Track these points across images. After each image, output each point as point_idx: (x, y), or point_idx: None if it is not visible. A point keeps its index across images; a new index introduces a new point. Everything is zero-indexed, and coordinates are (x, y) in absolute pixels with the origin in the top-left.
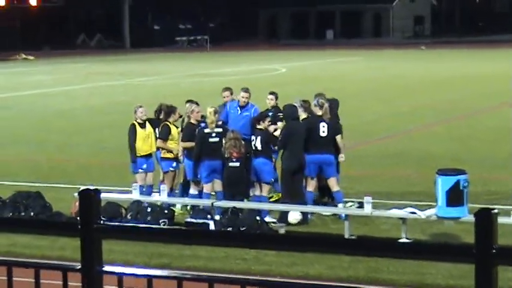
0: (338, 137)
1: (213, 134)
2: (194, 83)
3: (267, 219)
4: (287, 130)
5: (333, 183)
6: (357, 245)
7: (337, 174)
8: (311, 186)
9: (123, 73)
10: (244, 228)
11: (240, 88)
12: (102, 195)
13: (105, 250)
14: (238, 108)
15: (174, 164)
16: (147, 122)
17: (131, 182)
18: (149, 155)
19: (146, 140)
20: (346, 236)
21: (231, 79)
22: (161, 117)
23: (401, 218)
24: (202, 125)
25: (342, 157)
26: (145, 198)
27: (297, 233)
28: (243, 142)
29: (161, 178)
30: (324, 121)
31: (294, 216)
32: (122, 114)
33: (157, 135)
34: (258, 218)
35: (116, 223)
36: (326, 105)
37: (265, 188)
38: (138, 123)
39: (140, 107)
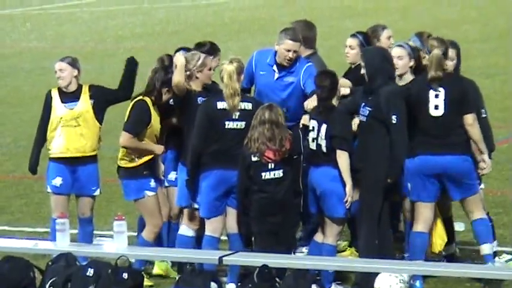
0: (469, 117)
1: (235, 115)
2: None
3: None
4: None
5: (472, 206)
6: None
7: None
8: (420, 221)
9: None
10: None
11: (281, 31)
12: None
13: None
14: (276, 67)
15: (153, 183)
16: (83, 89)
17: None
18: (73, 159)
19: (68, 127)
20: None
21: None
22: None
23: None
24: (200, 99)
25: (484, 164)
26: (84, 250)
27: None
28: (288, 131)
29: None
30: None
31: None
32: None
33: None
34: (314, 287)
35: None
36: (438, 52)
37: (334, 228)
38: (60, 91)
39: (66, 58)
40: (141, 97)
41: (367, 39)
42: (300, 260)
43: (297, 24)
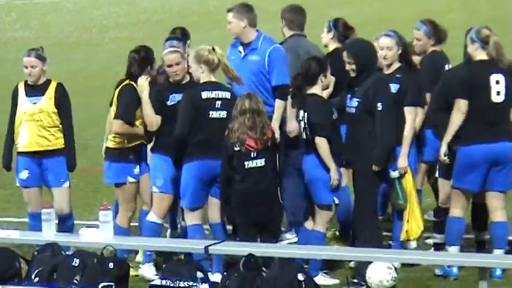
0: None
1: (217, 104)
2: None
3: (320, 279)
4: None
5: (499, 203)
6: None
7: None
8: (458, 207)
9: None
10: None
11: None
12: None
13: None
14: (241, 47)
15: (136, 170)
16: (51, 86)
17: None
18: (38, 153)
19: (32, 121)
20: None
21: None
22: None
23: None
24: (172, 96)
25: None
26: (70, 240)
27: None
28: (267, 120)
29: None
30: (498, 72)
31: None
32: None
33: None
34: (301, 276)
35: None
36: (494, 39)
37: (323, 215)
38: (27, 86)
39: (32, 52)
40: (127, 81)
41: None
42: (286, 248)
43: (286, 7)
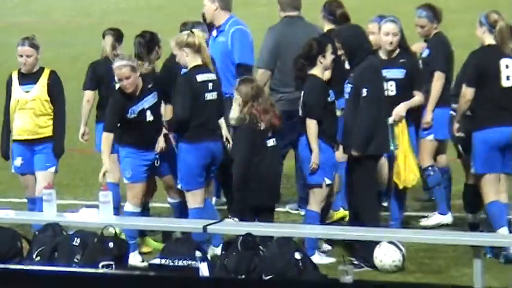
0: None
1: (209, 86)
2: None
3: (316, 257)
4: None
5: (506, 185)
6: None
7: None
8: (491, 191)
9: None
10: (270, 276)
11: None
12: None
13: None
14: (215, 30)
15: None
16: (44, 73)
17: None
18: (32, 141)
19: (27, 110)
20: None
21: None
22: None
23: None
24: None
25: None
26: (70, 220)
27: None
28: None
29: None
30: (507, 56)
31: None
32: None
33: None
34: (298, 255)
35: (15, 267)
36: (504, 24)
37: (315, 194)
38: (20, 74)
39: (26, 41)
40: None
41: None
42: (283, 228)
43: None
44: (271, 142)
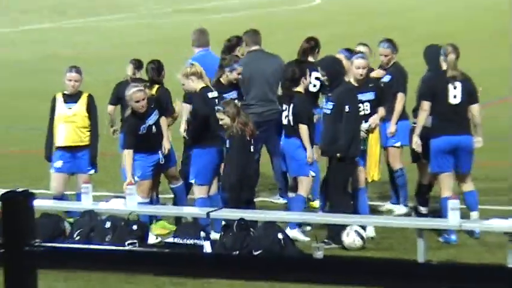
0: (475, 107)
1: (216, 101)
2: (182, 23)
3: (295, 232)
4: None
5: (466, 179)
6: (441, 274)
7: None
8: (446, 188)
9: (64, 10)
10: (259, 252)
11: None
12: (37, 202)
13: None
14: None
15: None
16: (83, 95)
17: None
18: (73, 148)
19: (69, 123)
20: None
21: (239, 16)
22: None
23: (507, 233)
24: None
25: (478, 141)
26: (103, 207)
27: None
28: None
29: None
30: (455, 80)
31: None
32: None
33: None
34: (280, 235)
35: (59, 245)
36: (453, 56)
37: (304, 184)
38: (64, 96)
39: (73, 69)
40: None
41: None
42: (270, 214)
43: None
44: (252, 148)
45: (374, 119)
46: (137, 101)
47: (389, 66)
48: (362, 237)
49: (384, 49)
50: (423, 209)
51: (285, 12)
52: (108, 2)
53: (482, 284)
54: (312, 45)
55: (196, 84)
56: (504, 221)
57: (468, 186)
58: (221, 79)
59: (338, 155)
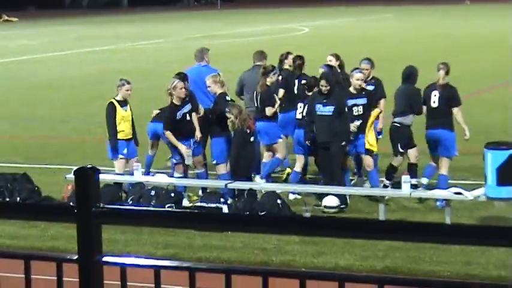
0: (454, 110)
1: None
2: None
3: (291, 196)
4: None
5: (443, 163)
6: (396, 229)
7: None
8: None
9: (120, 36)
10: (263, 212)
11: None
12: (101, 176)
13: (105, 241)
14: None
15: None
16: (128, 102)
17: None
18: (130, 139)
19: (127, 121)
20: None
21: (246, 41)
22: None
23: (445, 200)
24: (179, 113)
25: (465, 134)
26: (148, 180)
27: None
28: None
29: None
30: (435, 89)
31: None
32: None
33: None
34: (279, 201)
35: (118, 207)
36: (442, 71)
37: (300, 161)
38: (118, 101)
39: (127, 83)
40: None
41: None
42: (270, 185)
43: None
44: (252, 138)
45: (381, 107)
46: (181, 88)
47: (370, 79)
48: (345, 204)
49: (365, 65)
50: (388, 182)
51: (282, 38)
52: (150, 31)
53: (417, 236)
54: (302, 61)
55: (218, 89)
56: (443, 191)
57: (443, 170)
58: (267, 82)
59: (343, 143)
